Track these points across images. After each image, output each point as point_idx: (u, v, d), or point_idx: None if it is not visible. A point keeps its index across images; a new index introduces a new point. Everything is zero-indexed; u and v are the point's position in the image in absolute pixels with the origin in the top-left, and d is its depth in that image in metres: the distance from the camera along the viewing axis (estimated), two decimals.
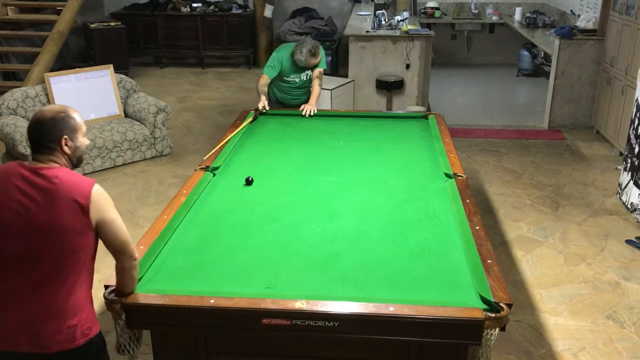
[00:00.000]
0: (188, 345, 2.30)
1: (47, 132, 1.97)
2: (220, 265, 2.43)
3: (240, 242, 2.60)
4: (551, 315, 3.47)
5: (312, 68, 4.65)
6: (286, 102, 4.81)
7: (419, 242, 2.59)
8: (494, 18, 9.44)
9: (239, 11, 9.35)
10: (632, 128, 4.76)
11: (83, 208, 1.92)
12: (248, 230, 2.72)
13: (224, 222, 2.79)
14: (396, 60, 6.52)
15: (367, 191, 3.14)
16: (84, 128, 2.07)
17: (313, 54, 4.49)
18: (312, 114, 4.41)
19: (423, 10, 9.45)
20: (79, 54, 9.22)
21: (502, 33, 9.69)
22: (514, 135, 6.47)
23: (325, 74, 4.83)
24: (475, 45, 9.90)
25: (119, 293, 2.16)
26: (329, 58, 7.96)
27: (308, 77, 4.71)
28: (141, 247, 2.44)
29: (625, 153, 4.85)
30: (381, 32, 6.64)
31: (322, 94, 5.06)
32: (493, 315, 2.06)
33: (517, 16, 9.00)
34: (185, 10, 9.37)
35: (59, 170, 1.96)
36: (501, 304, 2.10)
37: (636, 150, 4.62)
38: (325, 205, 2.97)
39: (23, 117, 5.30)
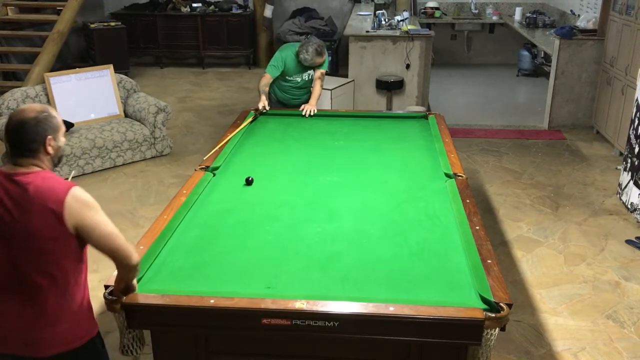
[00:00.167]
0: (188, 345, 2.30)
1: (31, 133, 1.88)
2: (220, 265, 2.43)
3: (240, 242, 2.60)
4: (551, 315, 3.47)
5: (315, 68, 4.67)
6: (287, 101, 4.82)
7: (419, 242, 2.59)
8: (494, 18, 9.44)
9: (239, 11, 9.35)
10: (632, 128, 4.76)
11: (57, 215, 1.84)
12: (248, 230, 2.72)
13: (224, 222, 2.79)
14: (396, 60, 6.52)
15: (367, 191, 3.14)
16: (63, 127, 2.00)
17: (319, 52, 4.52)
18: (312, 114, 4.42)
19: (423, 10, 9.45)
20: (79, 54, 9.22)
21: (502, 33, 9.69)
22: (514, 135, 6.47)
23: (325, 74, 4.86)
24: (475, 45, 9.89)
25: (115, 290, 2.12)
26: (329, 58, 7.95)
27: (310, 77, 4.73)
28: (141, 247, 2.44)
29: (625, 153, 4.85)
30: (381, 32, 6.64)
31: (323, 93, 5.07)
32: (493, 315, 2.06)
33: (517, 16, 9.00)
34: (185, 10, 9.36)
35: (34, 176, 1.87)
36: (501, 304, 2.10)
37: (636, 150, 4.62)
38: (325, 205, 2.97)
39: None
